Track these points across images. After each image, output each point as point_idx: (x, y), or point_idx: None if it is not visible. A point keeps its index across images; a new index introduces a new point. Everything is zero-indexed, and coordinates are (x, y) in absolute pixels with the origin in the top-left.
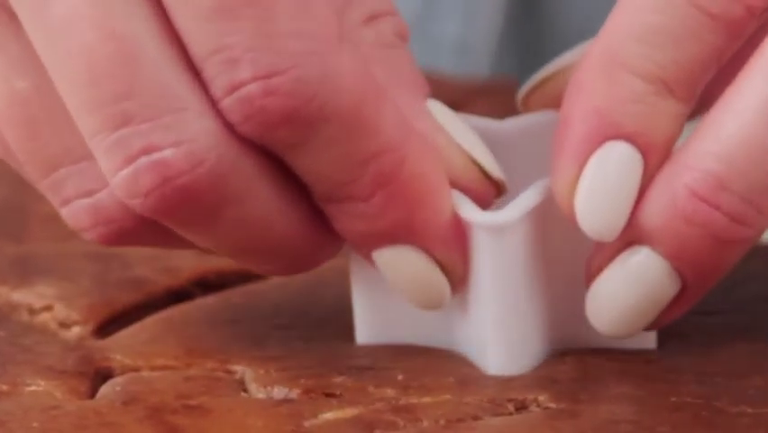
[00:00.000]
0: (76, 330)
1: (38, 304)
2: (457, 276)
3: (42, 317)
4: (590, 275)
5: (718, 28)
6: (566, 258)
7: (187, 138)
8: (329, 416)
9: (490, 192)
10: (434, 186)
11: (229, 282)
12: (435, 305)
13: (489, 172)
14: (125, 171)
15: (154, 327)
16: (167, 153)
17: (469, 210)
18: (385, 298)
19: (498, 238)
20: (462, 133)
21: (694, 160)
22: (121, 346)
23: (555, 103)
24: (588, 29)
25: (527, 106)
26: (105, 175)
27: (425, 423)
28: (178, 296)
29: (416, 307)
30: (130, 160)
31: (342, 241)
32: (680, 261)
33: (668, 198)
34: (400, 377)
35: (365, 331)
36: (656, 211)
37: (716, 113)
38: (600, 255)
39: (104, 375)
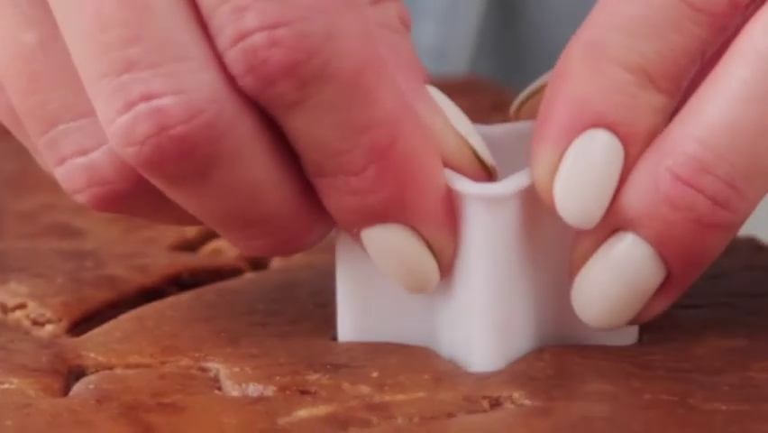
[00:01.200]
0: (49, 328)
1: (11, 302)
2: (446, 258)
3: (16, 315)
4: (575, 265)
5: (702, 21)
6: (551, 250)
7: (188, 88)
8: (304, 413)
9: (482, 177)
10: (426, 164)
11: (203, 280)
12: (423, 287)
13: (483, 157)
14: (124, 117)
15: (128, 325)
16: (165, 101)
17: (462, 183)
18: (370, 291)
19: (491, 210)
20: (458, 118)
21: (676, 144)
22: (95, 344)
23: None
24: (566, 33)
25: (519, 117)
26: (102, 130)
27: (400, 420)
28: (151, 294)
29: (403, 289)
30: (129, 106)
31: (331, 224)
32: (664, 246)
33: (651, 182)
34: (375, 375)
35: (347, 327)
36: (639, 196)
37: (698, 98)
38: (584, 244)
39: (77, 373)
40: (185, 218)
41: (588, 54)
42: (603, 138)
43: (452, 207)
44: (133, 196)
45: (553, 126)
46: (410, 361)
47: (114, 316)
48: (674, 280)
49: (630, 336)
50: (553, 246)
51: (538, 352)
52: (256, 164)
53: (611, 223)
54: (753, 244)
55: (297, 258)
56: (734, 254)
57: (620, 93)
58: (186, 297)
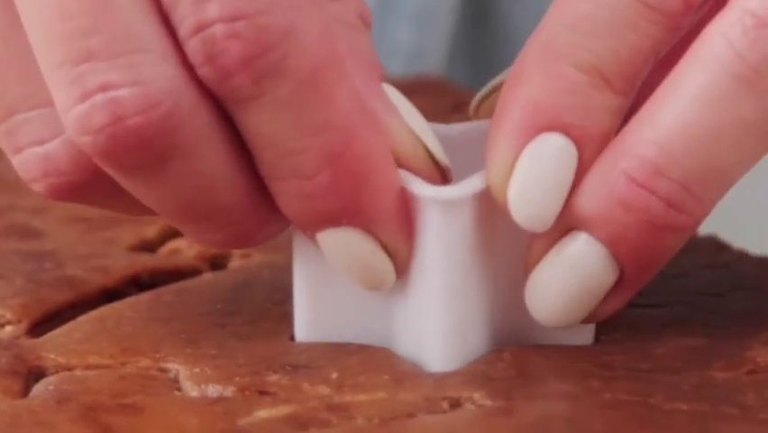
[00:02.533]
0: (8, 329)
1: None
2: (401, 259)
3: None
4: (529, 264)
5: (657, 20)
6: (507, 251)
7: (145, 79)
8: (263, 414)
9: (436, 178)
10: (381, 167)
11: (161, 281)
12: (378, 286)
13: (437, 158)
14: (80, 107)
15: (88, 326)
16: (122, 92)
17: (419, 186)
18: (326, 290)
19: (446, 213)
20: (413, 118)
21: (631, 146)
22: (54, 345)
23: None
24: None
25: (479, 115)
26: (60, 120)
27: (359, 421)
28: (111, 295)
29: (359, 287)
30: (86, 95)
31: (287, 221)
32: (617, 247)
33: (605, 183)
34: (335, 375)
35: (304, 326)
36: (594, 197)
37: (654, 101)
38: (538, 244)
39: (37, 374)
40: (140, 209)
41: (541, 55)
42: (557, 142)
43: (406, 209)
44: (89, 186)
45: (507, 129)
46: (370, 361)
47: (73, 317)
48: (627, 280)
49: (586, 336)
50: (509, 248)
51: (498, 352)
52: (212, 157)
53: (565, 223)
54: (714, 243)
55: (256, 258)
56: (695, 253)
57: (574, 94)
58: (145, 297)
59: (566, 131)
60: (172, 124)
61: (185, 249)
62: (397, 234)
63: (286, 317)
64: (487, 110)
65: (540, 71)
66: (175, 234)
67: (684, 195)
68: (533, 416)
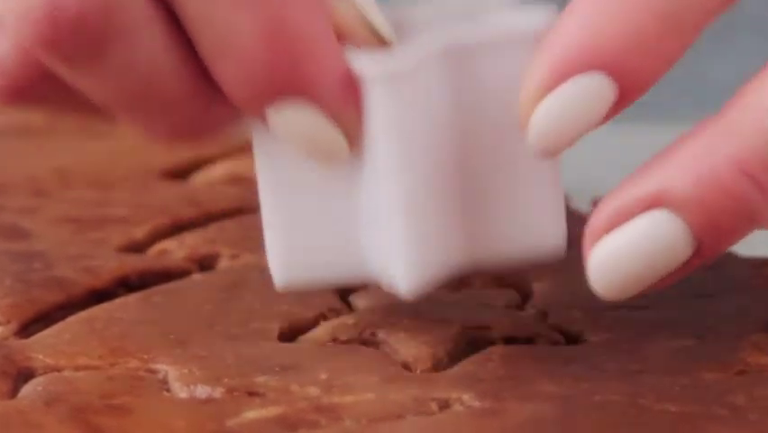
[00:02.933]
0: None
1: None
2: (351, 130)
3: None
4: (594, 234)
5: None
6: (483, 148)
7: None
8: (252, 415)
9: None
10: (319, 37)
11: (150, 282)
12: (334, 159)
13: (379, 31)
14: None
15: (77, 327)
16: None
17: (358, 59)
18: (296, 205)
19: (387, 87)
20: None
21: (742, 132)
22: (43, 346)
23: None
24: None
25: None
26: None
27: (348, 422)
28: (100, 296)
29: (316, 163)
30: None
31: (233, 112)
32: (704, 231)
33: (708, 166)
34: (324, 376)
35: (276, 250)
36: (691, 177)
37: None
38: (611, 216)
39: (26, 375)
40: (88, 110)
41: None
42: (599, 82)
43: (351, 80)
44: (36, 86)
45: (555, 54)
46: (359, 362)
47: (62, 317)
48: (697, 258)
49: (556, 243)
50: (485, 146)
51: (487, 353)
52: (152, 42)
53: (648, 201)
54: None
55: (245, 259)
56: None
57: (638, 41)
58: (134, 298)
59: (614, 73)
60: (110, 8)
61: (174, 250)
62: (342, 104)
63: (275, 318)
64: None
65: (608, 8)
66: (164, 235)
67: None
68: (522, 417)
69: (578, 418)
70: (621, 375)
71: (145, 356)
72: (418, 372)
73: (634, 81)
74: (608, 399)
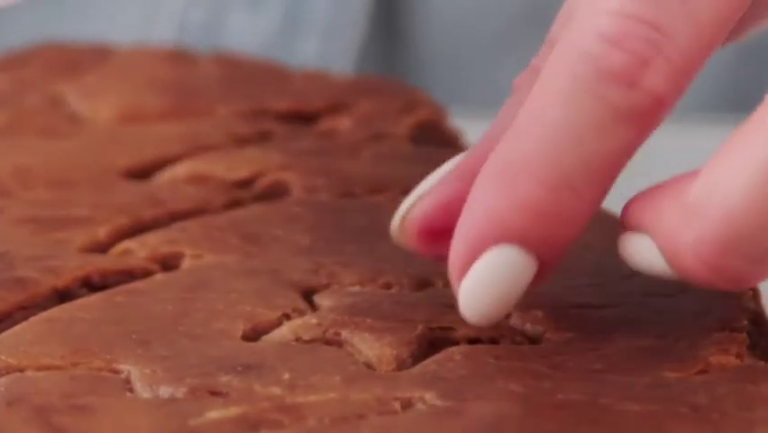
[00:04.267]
0: None
1: None
2: None
3: None
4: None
5: (626, 121)
6: None
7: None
8: (214, 415)
9: None
10: None
11: (113, 282)
12: None
13: None
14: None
15: (39, 327)
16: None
17: None
18: None
19: None
20: None
21: (702, 222)
22: (5, 347)
23: (424, 226)
24: (445, 49)
25: (402, 236)
26: None
27: (311, 422)
28: (62, 296)
29: None
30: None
31: None
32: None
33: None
34: (286, 376)
35: None
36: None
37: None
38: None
39: None
40: None
41: (507, 170)
42: (515, 255)
43: None
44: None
45: (468, 234)
46: (321, 362)
47: (24, 318)
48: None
49: None
50: None
51: (449, 352)
52: None
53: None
54: None
55: (207, 258)
56: None
57: (541, 214)
58: (96, 298)
59: (527, 245)
60: None
61: (136, 250)
62: None
63: (238, 318)
64: (408, 229)
65: (505, 187)
66: (126, 235)
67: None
68: (484, 416)
69: (540, 417)
70: (583, 375)
71: (108, 356)
72: (382, 372)
73: (548, 249)
74: (570, 398)
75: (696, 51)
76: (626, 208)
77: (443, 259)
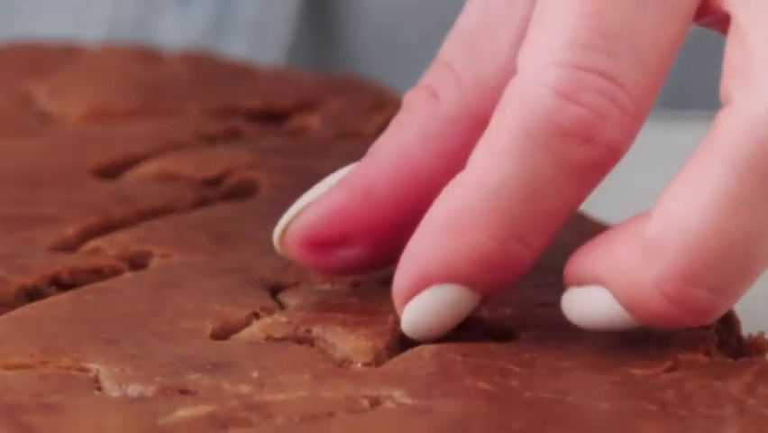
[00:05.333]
0: None
1: None
2: None
3: None
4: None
5: (581, 174)
6: None
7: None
8: (184, 413)
9: None
10: None
11: (82, 281)
12: None
13: None
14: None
15: (8, 326)
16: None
17: None
18: None
19: None
20: None
21: (661, 250)
22: None
23: (307, 236)
24: (375, 46)
25: (284, 246)
26: None
27: (280, 420)
28: (31, 295)
29: None
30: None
31: None
32: (486, 288)
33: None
34: (255, 374)
35: None
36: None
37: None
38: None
39: None
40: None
41: (453, 221)
42: (459, 293)
43: None
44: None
45: (410, 272)
46: (290, 360)
47: None
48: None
49: None
50: None
51: (418, 350)
52: None
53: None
54: None
55: (176, 257)
56: None
57: (486, 261)
58: (65, 297)
59: (473, 287)
60: None
61: (105, 248)
62: None
63: (207, 317)
64: (291, 239)
65: (452, 236)
66: (95, 233)
67: (716, 299)
68: (452, 414)
69: (508, 415)
70: (551, 372)
71: (77, 355)
72: (359, 365)
73: (493, 288)
74: (539, 396)
75: (647, 95)
76: (571, 264)
77: (322, 270)
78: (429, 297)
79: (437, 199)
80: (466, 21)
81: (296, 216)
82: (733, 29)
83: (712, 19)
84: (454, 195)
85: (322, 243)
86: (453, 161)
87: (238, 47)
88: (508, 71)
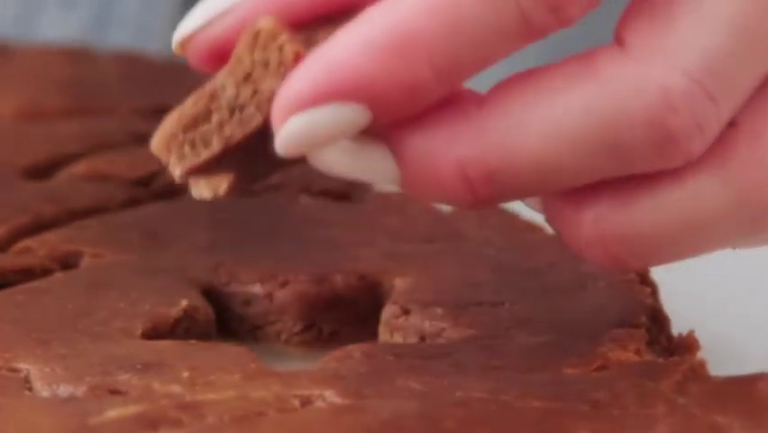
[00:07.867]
0: None
1: None
2: None
3: None
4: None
5: (527, 36)
6: None
7: None
8: (114, 413)
9: None
10: None
11: (12, 281)
12: None
13: None
14: None
15: None
16: None
17: None
18: None
19: None
20: None
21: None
22: None
23: (218, 47)
24: None
25: (186, 51)
26: None
27: (210, 419)
28: None
29: None
30: None
31: None
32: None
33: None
34: (186, 374)
35: None
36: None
37: None
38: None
39: None
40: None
41: (399, 40)
42: (353, 114)
43: None
44: None
45: (315, 82)
46: (221, 360)
47: None
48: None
49: None
50: None
51: (349, 350)
52: None
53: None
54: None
55: (108, 258)
56: (541, 252)
57: (413, 92)
58: None
59: (373, 110)
60: None
61: (36, 248)
62: None
63: (138, 317)
64: (199, 46)
65: (392, 58)
66: (25, 233)
67: None
68: (384, 414)
69: (440, 414)
70: (483, 372)
71: (7, 355)
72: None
73: (387, 116)
74: (470, 395)
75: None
76: None
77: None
78: (329, 113)
79: (377, 7)
80: None
81: (205, 25)
82: None
83: None
84: (399, 16)
85: (221, 55)
86: None
87: (119, 44)
88: None
